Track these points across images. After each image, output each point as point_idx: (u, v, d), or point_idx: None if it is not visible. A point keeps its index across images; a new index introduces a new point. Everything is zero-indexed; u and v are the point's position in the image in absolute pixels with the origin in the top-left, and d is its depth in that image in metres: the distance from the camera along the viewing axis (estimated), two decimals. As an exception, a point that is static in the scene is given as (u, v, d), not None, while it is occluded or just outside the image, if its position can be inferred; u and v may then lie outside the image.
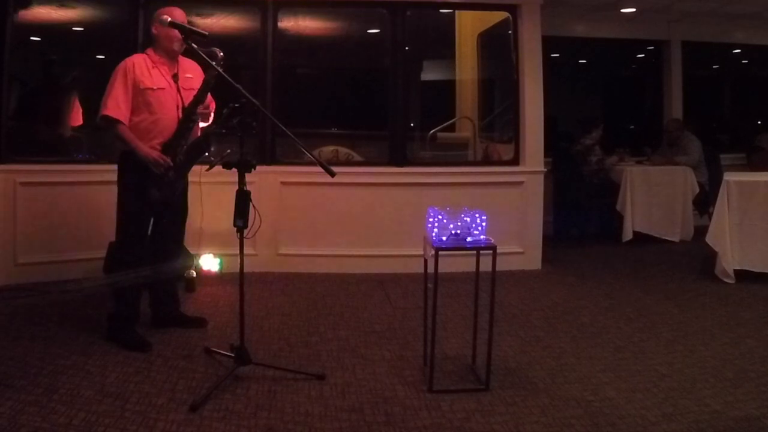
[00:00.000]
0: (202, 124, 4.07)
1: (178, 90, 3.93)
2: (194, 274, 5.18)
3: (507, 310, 4.75)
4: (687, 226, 7.25)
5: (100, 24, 6.70)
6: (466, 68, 7.86)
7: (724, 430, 3.01)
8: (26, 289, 4.94)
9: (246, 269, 3.60)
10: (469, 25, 7.63)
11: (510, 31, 6.13)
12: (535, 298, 5.15)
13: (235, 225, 3.41)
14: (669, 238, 7.15)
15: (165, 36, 3.88)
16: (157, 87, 3.86)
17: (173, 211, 4.13)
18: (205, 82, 3.82)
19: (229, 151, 3.53)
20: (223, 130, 3.53)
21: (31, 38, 6.44)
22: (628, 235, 6.97)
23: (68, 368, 3.51)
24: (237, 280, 3.58)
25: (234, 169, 3.43)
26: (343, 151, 6.71)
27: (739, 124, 9.67)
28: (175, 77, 3.94)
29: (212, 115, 4.10)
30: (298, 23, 6.94)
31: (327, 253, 5.80)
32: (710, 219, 5.85)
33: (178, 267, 4.41)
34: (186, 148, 3.88)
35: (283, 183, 5.75)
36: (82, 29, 7.01)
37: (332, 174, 3.46)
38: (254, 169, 3.48)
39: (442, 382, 3.50)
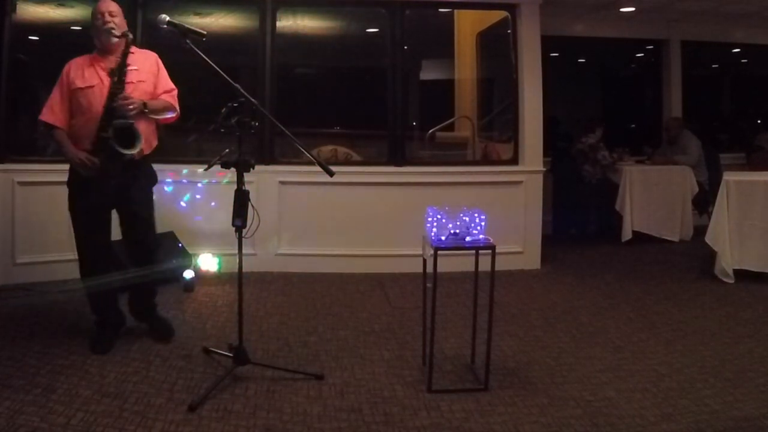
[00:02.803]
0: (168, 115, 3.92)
1: (114, 85, 3.66)
2: (193, 273, 5.18)
3: (506, 310, 4.75)
4: (686, 225, 7.24)
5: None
6: (465, 67, 7.85)
7: (723, 430, 3.01)
8: (24, 289, 4.94)
9: (245, 269, 3.60)
10: (468, 25, 7.62)
11: (509, 31, 6.13)
12: (534, 298, 5.14)
13: (233, 224, 3.41)
14: (668, 238, 7.14)
15: (94, 31, 3.77)
16: (86, 85, 3.71)
17: (129, 213, 3.91)
18: (116, 70, 3.65)
19: (227, 150, 3.53)
20: (222, 130, 3.50)
21: (30, 37, 6.42)
22: (627, 234, 6.97)
23: (66, 368, 3.51)
24: (236, 279, 3.58)
25: (233, 169, 3.43)
26: (341, 150, 6.70)
27: (739, 124, 9.67)
28: (112, 72, 3.69)
29: (170, 101, 3.89)
30: (296, 22, 6.93)
31: (326, 252, 5.80)
32: (710, 218, 5.85)
33: (151, 273, 4.07)
34: (107, 148, 3.62)
35: (281, 182, 5.75)
36: (80, 29, 7.00)
37: (331, 173, 3.46)
38: (253, 168, 3.48)
39: (441, 382, 3.50)
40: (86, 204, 3.75)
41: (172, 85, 3.97)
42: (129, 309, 4.14)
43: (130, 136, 3.64)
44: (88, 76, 3.73)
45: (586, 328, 4.44)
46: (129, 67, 3.73)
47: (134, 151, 3.64)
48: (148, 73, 3.87)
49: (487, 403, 3.25)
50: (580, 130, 7.54)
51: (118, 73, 3.64)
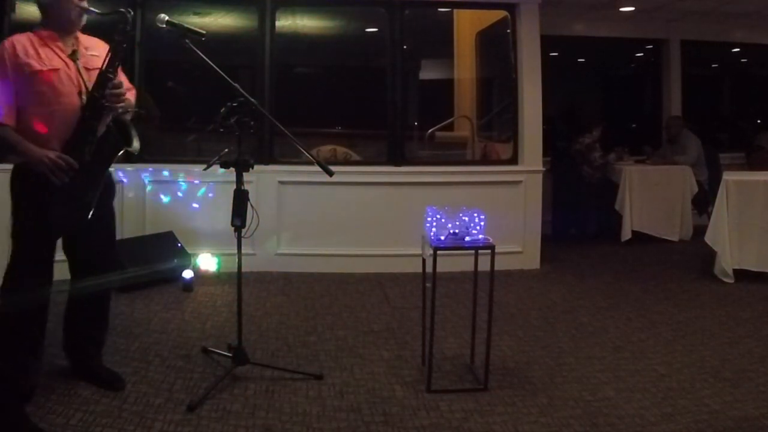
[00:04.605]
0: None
1: (79, 71, 3.04)
2: (192, 273, 5.18)
3: (505, 310, 4.75)
4: (686, 225, 7.25)
5: (97, 23, 6.67)
6: (465, 67, 7.85)
7: (723, 430, 3.01)
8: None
9: (244, 269, 3.59)
10: (468, 24, 7.62)
11: (508, 30, 6.13)
12: (534, 298, 5.14)
13: (233, 224, 3.41)
14: (668, 238, 7.14)
15: (61, 3, 3.02)
16: (50, 67, 2.96)
17: (94, 235, 3.21)
18: (111, 50, 3.01)
19: (226, 150, 3.53)
20: (221, 129, 3.49)
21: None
22: (626, 234, 6.97)
23: (65, 368, 3.49)
24: (235, 279, 3.57)
25: (232, 169, 3.43)
26: (341, 150, 6.70)
27: (739, 123, 9.67)
28: (74, 55, 3.04)
29: (131, 99, 3.24)
30: (296, 22, 6.93)
31: (325, 252, 5.79)
32: (709, 218, 5.85)
33: (106, 304, 3.46)
34: (97, 143, 2.98)
35: (281, 182, 5.74)
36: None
37: (330, 173, 3.45)
38: (252, 168, 3.48)
39: (440, 382, 3.49)
40: (54, 222, 2.96)
41: (130, 84, 3.33)
42: (71, 358, 3.44)
43: (127, 133, 3.08)
44: (46, 57, 2.97)
45: (586, 328, 4.44)
46: (88, 52, 3.13)
47: (138, 148, 3.09)
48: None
49: (487, 403, 3.25)
50: (579, 129, 7.53)
51: (111, 56, 2.98)
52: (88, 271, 3.31)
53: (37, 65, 2.93)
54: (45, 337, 3.08)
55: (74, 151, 2.93)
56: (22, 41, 2.97)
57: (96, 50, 3.16)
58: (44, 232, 3.00)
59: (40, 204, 2.93)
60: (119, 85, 3.00)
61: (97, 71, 3.03)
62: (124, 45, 3.05)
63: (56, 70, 2.97)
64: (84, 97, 2.99)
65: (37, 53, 2.95)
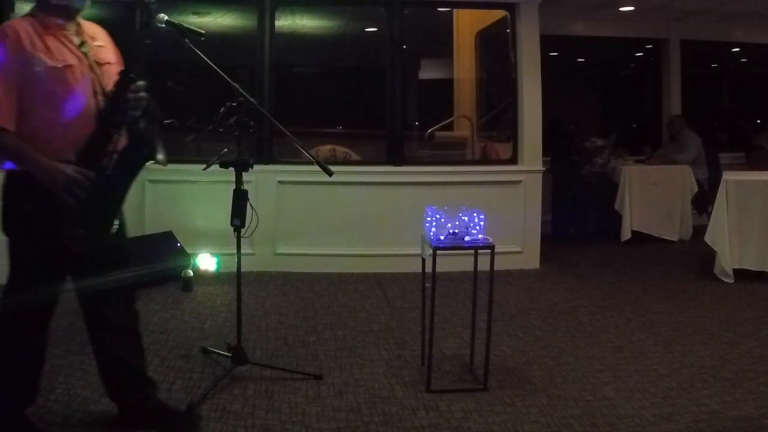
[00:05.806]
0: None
1: (92, 67, 2.58)
2: (191, 273, 5.18)
3: (505, 310, 4.74)
4: (686, 225, 7.25)
5: (96, 22, 6.67)
6: (464, 67, 7.85)
7: (722, 430, 3.00)
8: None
9: (243, 268, 3.59)
10: (467, 24, 7.62)
11: (508, 30, 6.13)
12: (534, 298, 5.14)
13: (232, 224, 3.41)
14: (668, 238, 7.14)
15: None
16: (64, 63, 2.48)
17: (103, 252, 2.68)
18: (137, 47, 2.61)
19: (226, 149, 3.52)
20: (221, 129, 3.49)
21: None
22: (626, 234, 6.96)
23: (65, 368, 3.50)
24: (234, 279, 3.57)
25: (231, 168, 3.43)
26: (340, 150, 6.70)
27: (738, 123, 9.67)
28: (83, 47, 2.58)
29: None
30: (295, 22, 6.93)
31: (325, 252, 5.79)
32: (709, 218, 5.85)
33: (133, 328, 2.94)
34: (118, 155, 2.53)
35: (280, 182, 5.74)
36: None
37: (330, 173, 3.45)
38: (252, 168, 3.48)
39: (440, 382, 3.49)
40: (69, 242, 2.48)
41: None
42: (119, 401, 2.93)
43: (151, 142, 2.63)
44: (56, 50, 2.49)
45: (586, 327, 4.43)
46: (94, 42, 2.67)
47: (165, 160, 2.65)
48: (113, 54, 2.76)
49: (486, 403, 3.25)
50: (581, 129, 7.54)
51: (135, 54, 2.58)
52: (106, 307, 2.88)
53: (49, 60, 2.44)
54: (47, 346, 2.85)
55: (92, 164, 2.47)
56: (25, 29, 2.45)
57: (100, 40, 2.71)
58: (51, 254, 2.51)
59: (45, 219, 2.44)
60: (143, 88, 2.55)
61: (107, 65, 2.65)
62: (148, 41, 2.62)
63: (70, 66, 2.50)
64: (100, 98, 2.55)
65: (46, 45, 2.46)
